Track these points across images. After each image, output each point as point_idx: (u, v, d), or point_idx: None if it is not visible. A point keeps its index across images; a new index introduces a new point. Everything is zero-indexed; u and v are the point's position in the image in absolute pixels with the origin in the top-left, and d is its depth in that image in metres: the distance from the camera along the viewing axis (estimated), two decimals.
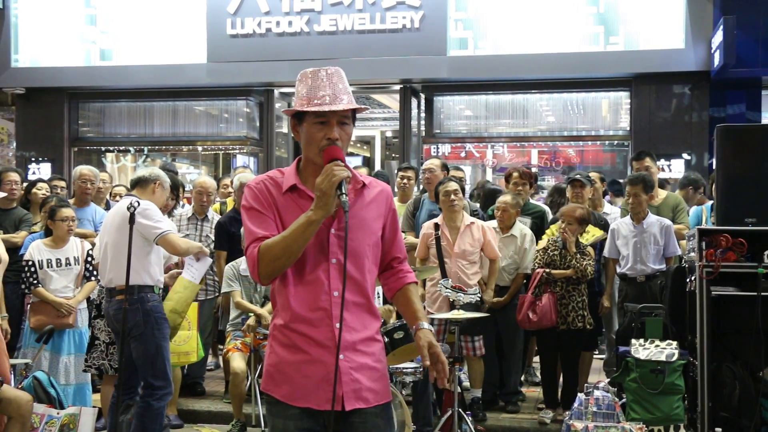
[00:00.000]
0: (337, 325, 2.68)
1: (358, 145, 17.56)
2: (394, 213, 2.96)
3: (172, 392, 5.53)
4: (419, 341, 2.82)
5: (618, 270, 6.78)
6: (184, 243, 5.41)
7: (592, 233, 6.81)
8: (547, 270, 6.43)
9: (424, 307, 6.38)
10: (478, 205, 7.66)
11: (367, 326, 2.80)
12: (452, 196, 6.47)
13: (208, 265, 5.86)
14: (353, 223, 2.74)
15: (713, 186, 7.17)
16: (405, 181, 8.01)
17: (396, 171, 9.00)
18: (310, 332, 2.72)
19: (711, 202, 7.14)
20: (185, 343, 6.35)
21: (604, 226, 7.04)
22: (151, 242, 5.23)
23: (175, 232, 5.33)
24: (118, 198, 8.14)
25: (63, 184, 8.54)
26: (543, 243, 6.69)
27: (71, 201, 7.56)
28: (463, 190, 6.82)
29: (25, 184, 7.88)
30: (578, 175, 7.34)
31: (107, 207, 8.01)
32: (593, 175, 7.75)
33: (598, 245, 6.90)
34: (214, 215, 7.61)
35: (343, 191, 2.62)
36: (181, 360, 6.42)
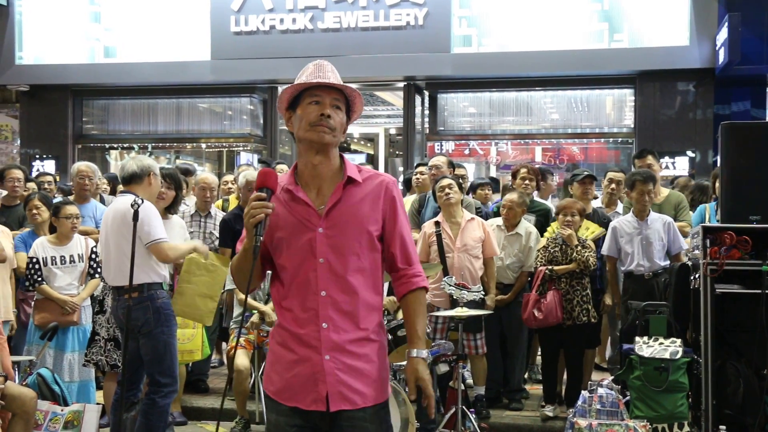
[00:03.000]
0: (324, 325, 2.69)
1: (362, 142, 17.57)
2: (393, 205, 2.83)
3: (178, 390, 5.52)
4: (407, 371, 2.79)
5: (622, 268, 6.77)
6: (174, 253, 5.27)
7: (592, 230, 6.80)
8: (550, 267, 6.43)
9: (428, 307, 6.39)
10: (480, 203, 7.65)
11: (359, 326, 2.75)
12: (447, 190, 6.49)
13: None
14: (340, 220, 2.73)
15: (716, 183, 7.20)
16: (418, 177, 8.02)
17: (399, 169, 9.01)
18: (299, 332, 2.73)
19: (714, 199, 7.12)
20: (189, 341, 6.35)
21: (606, 224, 7.03)
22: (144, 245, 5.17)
23: (167, 239, 5.24)
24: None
25: (50, 179, 8.53)
26: (543, 241, 6.69)
27: (71, 198, 7.55)
28: (460, 187, 6.78)
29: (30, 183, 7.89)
30: (586, 172, 7.34)
31: (101, 201, 7.99)
32: (619, 174, 7.72)
33: (600, 242, 6.89)
34: (216, 212, 7.61)
35: (260, 233, 2.61)
36: (185, 358, 6.41)
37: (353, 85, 2.82)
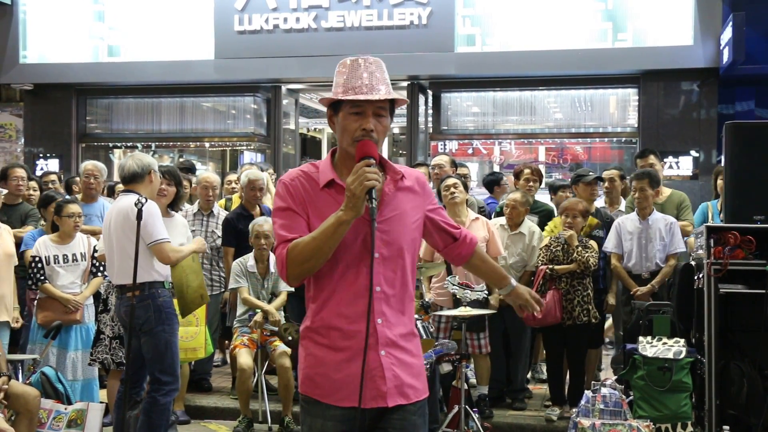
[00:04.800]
0: (379, 320, 2.67)
1: None
2: (431, 194, 2.93)
3: (179, 388, 5.52)
4: (519, 293, 3.07)
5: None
6: (175, 255, 5.23)
7: (588, 222, 6.79)
8: (551, 266, 6.42)
9: (429, 306, 6.39)
10: (484, 202, 7.65)
11: (406, 322, 2.77)
12: (452, 189, 6.50)
13: None
14: (394, 217, 2.71)
15: (717, 181, 7.20)
16: None
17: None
18: (350, 328, 2.66)
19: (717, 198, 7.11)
20: (192, 339, 6.34)
21: (609, 223, 7.02)
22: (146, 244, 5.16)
23: (169, 240, 5.23)
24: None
25: (54, 178, 8.53)
26: (545, 240, 6.69)
27: (79, 197, 7.56)
28: (465, 187, 6.80)
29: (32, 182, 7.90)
30: (592, 173, 7.35)
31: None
32: (613, 172, 7.71)
33: (602, 240, 6.88)
34: (219, 211, 7.61)
35: (374, 196, 2.53)
36: (189, 356, 6.39)
37: (389, 80, 2.76)
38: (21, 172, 7.59)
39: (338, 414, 2.67)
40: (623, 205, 7.68)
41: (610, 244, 6.79)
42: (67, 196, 7.28)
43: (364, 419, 2.67)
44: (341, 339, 2.67)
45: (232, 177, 8.93)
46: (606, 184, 7.62)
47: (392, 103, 2.76)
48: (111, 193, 8.49)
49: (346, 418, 2.66)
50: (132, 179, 5.31)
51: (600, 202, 7.96)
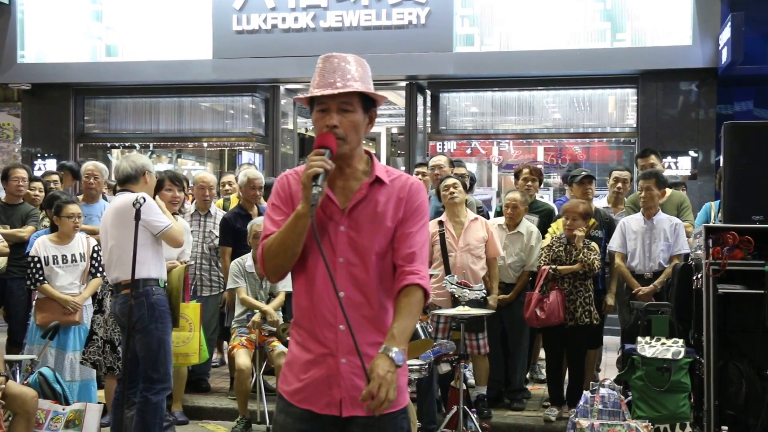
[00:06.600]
0: (341, 327, 2.58)
1: (364, 141, 17.56)
2: (414, 206, 2.69)
3: (171, 387, 5.51)
4: (374, 369, 2.45)
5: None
6: (182, 237, 5.41)
7: (589, 222, 6.78)
8: (554, 266, 6.42)
9: (429, 306, 6.38)
10: (482, 203, 7.65)
11: (377, 330, 2.63)
12: (451, 189, 6.49)
13: None
14: (362, 220, 2.64)
15: (720, 183, 7.19)
16: (419, 177, 8.00)
17: (402, 168, 8.99)
18: (316, 332, 2.65)
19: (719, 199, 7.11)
20: (185, 345, 6.27)
21: (609, 223, 7.02)
22: (155, 236, 5.21)
23: (174, 226, 5.32)
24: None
25: (55, 178, 8.53)
26: (547, 240, 6.69)
27: (80, 197, 7.55)
28: (464, 186, 6.80)
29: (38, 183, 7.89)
30: (584, 172, 7.34)
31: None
32: (626, 173, 7.70)
33: (603, 240, 6.88)
34: (217, 211, 7.60)
35: (318, 183, 2.49)
36: (181, 361, 6.31)
37: (368, 77, 2.73)
38: (22, 173, 7.58)
39: (297, 413, 2.67)
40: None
41: (614, 244, 6.79)
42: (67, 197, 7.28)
43: (322, 424, 2.64)
44: (309, 340, 2.67)
45: (230, 178, 8.87)
46: (618, 185, 7.60)
47: (368, 98, 2.67)
48: (114, 192, 8.48)
49: (303, 418, 2.66)
50: (126, 181, 5.35)
51: (603, 202, 7.97)
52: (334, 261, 2.61)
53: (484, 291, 6.21)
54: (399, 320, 2.57)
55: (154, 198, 5.51)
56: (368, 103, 2.69)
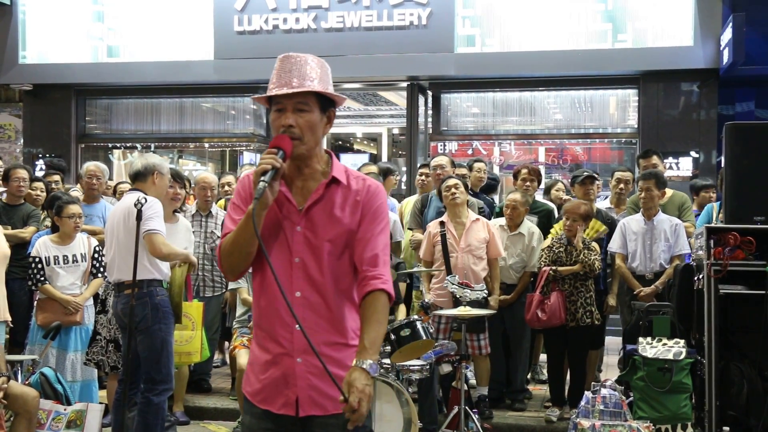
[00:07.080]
0: (297, 326, 2.54)
1: (365, 142, 17.55)
2: (372, 209, 2.68)
3: (173, 388, 5.51)
4: (352, 383, 2.40)
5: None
6: (167, 248, 5.22)
7: (595, 228, 6.79)
8: (554, 267, 6.42)
9: (429, 306, 6.38)
10: (483, 203, 7.64)
11: (335, 330, 2.64)
12: (453, 190, 6.49)
13: None
14: (318, 220, 2.63)
15: (721, 184, 7.18)
16: (423, 178, 8.00)
17: (403, 168, 9.00)
18: (273, 332, 2.64)
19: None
20: (187, 343, 6.27)
21: (611, 224, 7.02)
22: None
23: (164, 234, 5.23)
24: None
25: (57, 178, 8.54)
26: (548, 241, 6.69)
27: (81, 197, 7.56)
28: (466, 187, 6.80)
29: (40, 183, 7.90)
30: (586, 173, 7.33)
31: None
32: (628, 174, 7.70)
33: (605, 241, 6.88)
34: (218, 211, 7.60)
35: (265, 179, 2.47)
36: (183, 360, 6.31)
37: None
38: (23, 173, 7.58)
39: (258, 413, 2.68)
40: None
41: (614, 245, 6.78)
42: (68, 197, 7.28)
43: (282, 423, 2.64)
44: (268, 340, 2.67)
45: (229, 179, 8.84)
46: (621, 185, 7.60)
47: (326, 98, 2.65)
48: (114, 193, 8.50)
49: (263, 418, 2.67)
50: (135, 178, 5.43)
51: (606, 203, 7.96)
52: (290, 261, 2.62)
53: (486, 291, 6.21)
54: (368, 331, 2.55)
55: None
56: (326, 103, 2.68)
